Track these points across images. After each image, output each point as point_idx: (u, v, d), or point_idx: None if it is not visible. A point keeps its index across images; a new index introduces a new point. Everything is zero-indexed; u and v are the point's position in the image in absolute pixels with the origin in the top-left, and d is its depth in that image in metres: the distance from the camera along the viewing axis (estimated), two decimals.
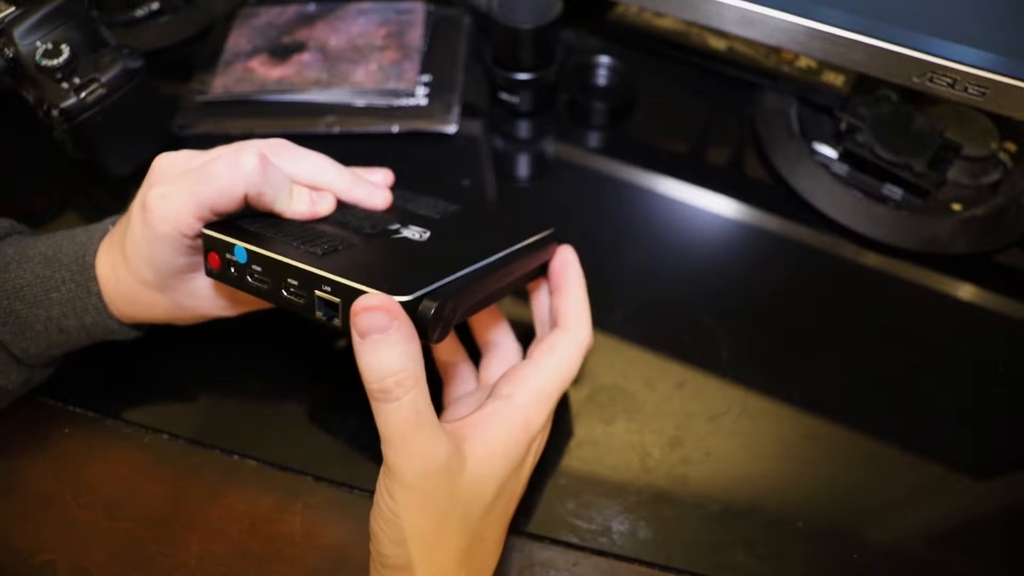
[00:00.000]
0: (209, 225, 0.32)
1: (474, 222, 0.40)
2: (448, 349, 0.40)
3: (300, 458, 0.39)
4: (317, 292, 0.29)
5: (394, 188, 0.40)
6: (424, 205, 0.40)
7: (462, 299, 0.30)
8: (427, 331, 0.27)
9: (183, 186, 0.32)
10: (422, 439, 0.27)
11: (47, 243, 0.36)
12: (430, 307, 0.27)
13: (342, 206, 0.37)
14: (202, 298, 0.36)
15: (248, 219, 0.33)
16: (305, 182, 0.35)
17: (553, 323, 0.36)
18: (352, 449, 0.39)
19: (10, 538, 0.37)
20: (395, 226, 0.35)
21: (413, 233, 0.35)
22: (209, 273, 0.32)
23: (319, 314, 0.29)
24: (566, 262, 0.37)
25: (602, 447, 0.40)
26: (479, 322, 0.40)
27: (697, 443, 0.40)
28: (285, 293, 0.30)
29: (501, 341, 0.40)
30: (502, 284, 0.34)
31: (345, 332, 0.28)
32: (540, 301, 0.39)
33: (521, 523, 0.37)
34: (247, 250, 0.31)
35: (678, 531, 0.37)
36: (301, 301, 0.30)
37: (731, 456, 0.40)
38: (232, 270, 0.31)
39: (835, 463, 0.40)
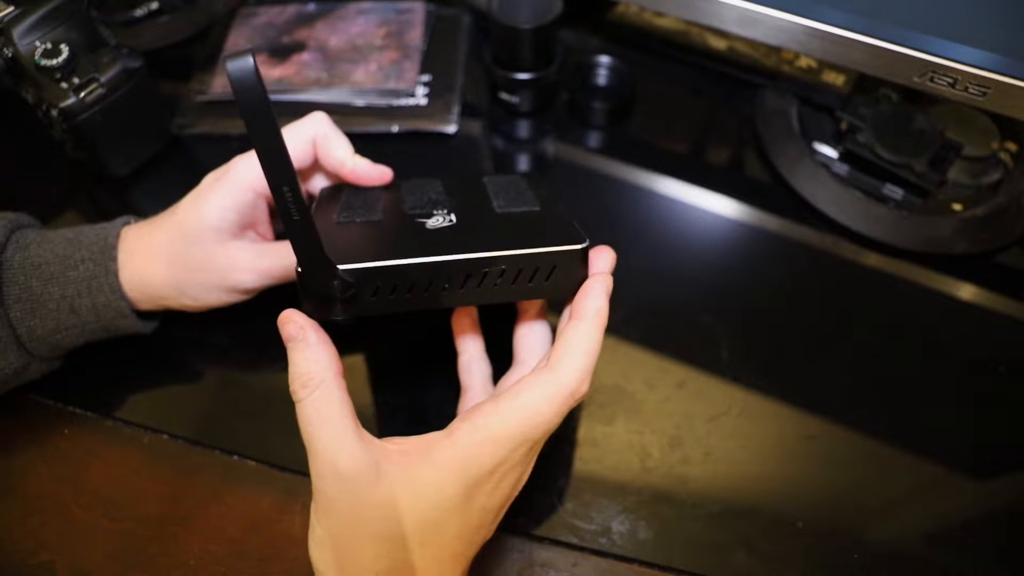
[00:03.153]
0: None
1: (519, 220, 0.35)
2: (464, 360, 0.37)
3: (300, 458, 0.38)
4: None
5: (523, 183, 0.39)
6: (513, 199, 0.37)
7: (383, 281, 0.30)
8: (326, 303, 0.30)
9: None
10: (325, 440, 0.28)
11: (69, 229, 0.39)
12: (331, 283, 0.29)
13: (419, 190, 0.38)
14: (217, 272, 0.37)
15: (351, 189, 0.39)
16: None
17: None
18: None
19: (10, 538, 0.37)
20: (442, 211, 0.35)
21: (439, 220, 0.34)
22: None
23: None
24: (589, 293, 0.32)
25: (602, 447, 0.40)
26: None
27: (697, 443, 0.40)
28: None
29: (525, 359, 0.36)
30: (484, 285, 0.31)
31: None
32: (531, 328, 0.36)
33: (521, 523, 0.37)
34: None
35: (678, 531, 0.37)
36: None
37: (731, 456, 0.40)
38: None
39: (835, 463, 0.40)
